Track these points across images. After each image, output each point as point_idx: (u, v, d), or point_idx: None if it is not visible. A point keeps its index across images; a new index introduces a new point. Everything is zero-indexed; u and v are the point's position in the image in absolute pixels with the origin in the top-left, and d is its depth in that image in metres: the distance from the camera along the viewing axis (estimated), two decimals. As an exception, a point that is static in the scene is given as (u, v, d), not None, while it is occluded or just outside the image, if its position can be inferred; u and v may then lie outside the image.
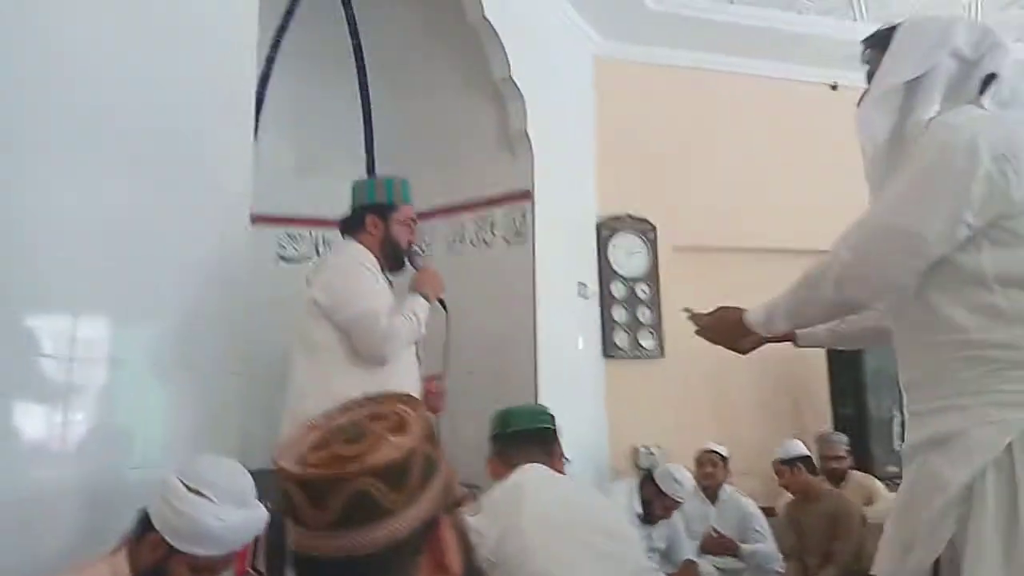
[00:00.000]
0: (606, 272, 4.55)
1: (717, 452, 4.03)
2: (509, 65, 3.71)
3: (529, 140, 3.82)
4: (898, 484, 4.79)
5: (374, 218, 2.44)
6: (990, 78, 1.48)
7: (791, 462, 3.80)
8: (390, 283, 2.52)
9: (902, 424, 4.82)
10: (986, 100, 1.49)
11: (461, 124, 4.11)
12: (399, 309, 2.32)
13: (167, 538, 1.47)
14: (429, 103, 4.19)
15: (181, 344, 2.09)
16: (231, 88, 2.36)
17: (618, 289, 4.56)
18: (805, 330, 1.92)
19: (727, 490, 4.04)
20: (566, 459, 3.26)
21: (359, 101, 4.35)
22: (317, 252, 4.16)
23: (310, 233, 4.18)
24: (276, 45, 4.17)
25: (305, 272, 4.04)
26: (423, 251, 2.61)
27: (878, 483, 4.23)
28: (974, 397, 1.40)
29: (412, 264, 2.51)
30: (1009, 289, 1.36)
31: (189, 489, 1.49)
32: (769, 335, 1.80)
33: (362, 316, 2.21)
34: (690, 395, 4.72)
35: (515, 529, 1.61)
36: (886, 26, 1.65)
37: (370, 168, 4.33)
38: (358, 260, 2.34)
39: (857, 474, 4.25)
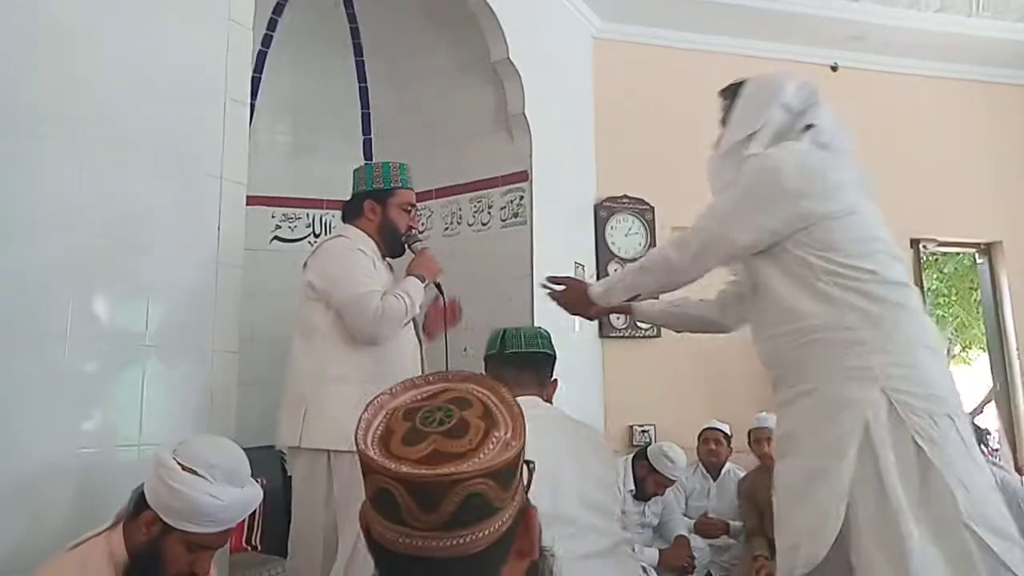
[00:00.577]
0: (603, 252, 4.57)
1: (720, 430, 4.07)
2: (507, 47, 3.70)
3: (527, 121, 3.81)
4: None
5: (372, 203, 2.44)
6: (809, 127, 1.88)
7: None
8: (390, 268, 2.53)
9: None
10: (804, 142, 1.86)
11: (459, 106, 4.09)
12: (392, 290, 2.33)
13: (162, 515, 1.50)
14: (427, 84, 4.18)
15: (176, 324, 2.11)
16: (227, 69, 2.35)
17: (615, 269, 4.57)
18: (642, 307, 2.30)
19: (728, 466, 4.09)
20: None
21: (356, 82, 4.33)
22: (314, 233, 4.17)
23: (307, 214, 4.18)
24: (272, 25, 4.15)
25: (301, 253, 4.14)
26: (422, 236, 2.58)
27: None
28: (827, 380, 1.66)
29: (411, 249, 2.50)
30: (836, 278, 1.69)
31: (184, 468, 1.51)
32: (608, 306, 2.16)
33: (355, 299, 2.21)
34: (685, 374, 4.75)
35: None
36: (738, 81, 2.07)
37: (367, 150, 4.32)
38: (353, 244, 2.34)
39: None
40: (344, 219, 2.52)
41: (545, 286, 2.31)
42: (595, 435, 2.01)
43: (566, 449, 1.70)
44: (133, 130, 2.05)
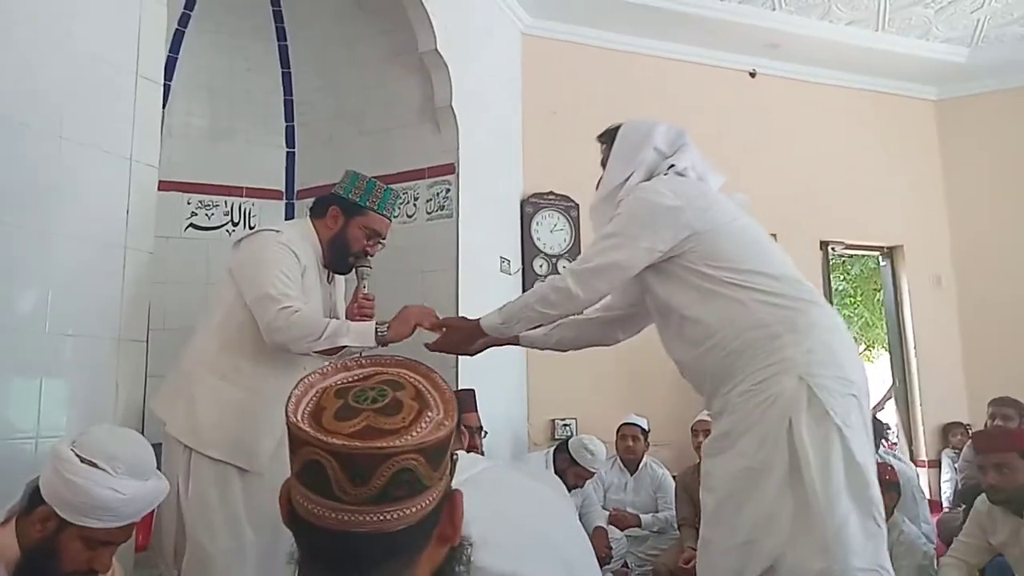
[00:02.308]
0: (529, 248, 4.60)
1: (638, 425, 4.15)
2: (435, 37, 3.67)
3: (454, 114, 3.80)
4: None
5: (337, 211, 2.29)
6: (671, 166, 2.01)
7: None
8: (330, 279, 2.37)
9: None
10: (671, 175, 2.00)
11: (385, 95, 4.04)
12: (329, 315, 2.21)
13: (58, 510, 1.42)
14: (353, 72, 4.10)
15: (79, 311, 2.00)
16: (138, 45, 2.24)
17: (540, 265, 4.62)
18: (528, 334, 2.30)
19: (645, 460, 4.18)
20: (485, 432, 3.33)
21: (279, 68, 4.22)
22: (232, 222, 4.04)
23: (224, 202, 4.05)
24: (190, 5, 3.99)
25: (217, 241, 4.02)
26: (369, 271, 2.36)
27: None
28: (752, 379, 1.75)
29: (356, 274, 2.35)
30: (737, 284, 1.80)
31: (83, 460, 1.44)
32: (501, 339, 2.19)
33: (259, 298, 2.06)
34: (607, 370, 4.83)
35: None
36: (614, 126, 2.19)
37: (289, 137, 4.22)
38: (287, 240, 2.16)
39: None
40: (310, 212, 2.37)
41: (427, 346, 2.26)
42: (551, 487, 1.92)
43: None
44: (33, 106, 1.93)
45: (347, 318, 2.40)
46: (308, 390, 0.77)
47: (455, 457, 0.81)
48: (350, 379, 0.79)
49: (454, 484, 1.49)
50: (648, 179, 1.99)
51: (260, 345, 2.08)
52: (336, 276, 2.43)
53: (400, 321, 2.16)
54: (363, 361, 0.83)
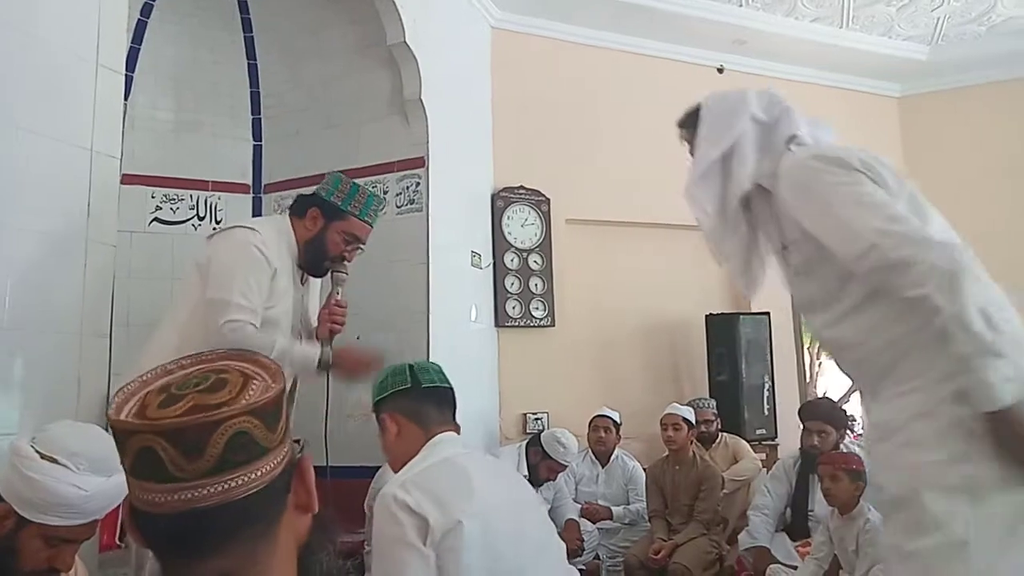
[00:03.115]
0: (500, 242, 4.59)
1: (610, 418, 4.17)
2: (404, 30, 3.64)
3: (424, 107, 3.77)
4: (766, 445, 5.12)
5: (317, 212, 2.25)
6: (792, 138, 1.74)
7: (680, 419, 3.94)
8: (302, 279, 2.33)
9: (772, 390, 5.16)
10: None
11: (354, 88, 4.00)
12: (281, 337, 2.14)
13: (17, 508, 1.38)
14: (320, 64, 4.05)
15: (38, 305, 1.95)
16: (99, 33, 2.18)
17: (511, 260, 4.61)
18: None
19: (616, 453, 4.21)
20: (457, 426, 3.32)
21: (245, 59, 4.15)
22: (197, 216, 3.97)
23: (190, 195, 3.98)
24: (153, -7, 3.91)
25: (182, 236, 3.94)
26: (344, 278, 2.34)
27: (744, 444, 4.53)
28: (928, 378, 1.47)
29: (332, 279, 2.32)
30: None
31: (43, 456, 1.40)
32: None
33: (215, 302, 2.04)
34: (579, 363, 4.86)
35: (459, 527, 1.41)
36: (692, 107, 1.92)
37: (256, 130, 4.16)
38: (260, 241, 2.11)
39: (725, 435, 4.53)
40: (290, 210, 2.33)
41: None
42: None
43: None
44: (-11, 94, 1.88)
45: (318, 323, 2.38)
46: (130, 397, 0.76)
47: (302, 442, 0.81)
48: (171, 379, 0.78)
49: (435, 461, 1.52)
50: (765, 159, 1.72)
51: (222, 344, 2.02)
52: (311, 279, 2.39)
53: (343, 364, 2.20)
54: (184, 362, 0.81)
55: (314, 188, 2.34)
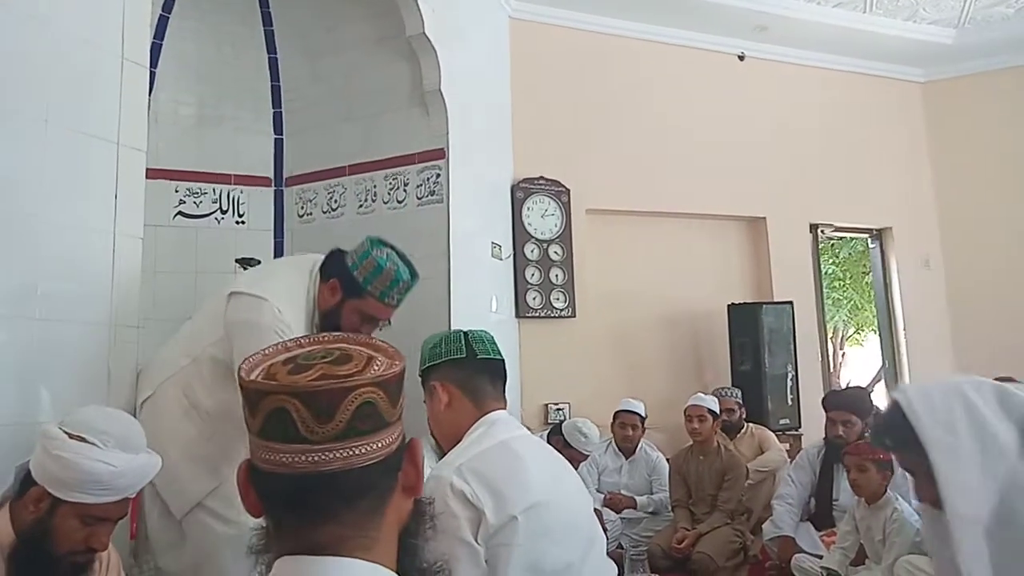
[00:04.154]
0: (520, 233, 4.59)
1: (636, 413, 4.15)
2: (423, 21, 3.64)
3: (443, 98, 3.77)
4: (790, 435, 5.08)
5: (337, 284, 2.13)
6: None
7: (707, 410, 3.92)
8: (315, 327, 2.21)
9: (795, 380, 5.12)
10: None
11: (374, 80, 4.01)
12: None
13: (50, 489, 1.41)
14: (340, 57, 4.07)
15: (69, 296, 1.98)
16: (123, 28, 2.20)
17: (531, 250, 4.61)
18: None
19: (640, 444, 4.20)
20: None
21: (265, 53, 4.17)
22: (220, 209, 4.01)
23: (212, 189, 4.01)
24: (175, -10, 3.93)
25: (206, 229, 3.98)
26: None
27: (770, 434, 4.51)
28: None
29: None
30: None
31: (71, 436, 1.43)
32: None
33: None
34: (600, 354, 4.86)
35: (513, 523, 1.38)
36: (895, 420, 1.31)
37: (277, 123, 4.18)
38: (282, 332, 1.97)
39: (752, 425, 4.51)
40: (321, 267, 2.19)
41: None
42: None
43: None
44: (17, 90, 1.90)
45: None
46: (255, 366, 0.79)
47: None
48: (294, 353, 0.82)
49: (491, 444, 1.50)
50: None
51: (223, 384, 2.05)
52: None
53: None
54: (302, 341, 0.85)
55: (349, 251, 2.20)
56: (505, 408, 1.63)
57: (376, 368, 0.77)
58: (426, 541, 0.85)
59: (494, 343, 1.68)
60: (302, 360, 0.78)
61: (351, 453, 0.73)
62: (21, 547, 1.41)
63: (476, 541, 1.36)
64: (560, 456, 1.74)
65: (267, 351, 0.83)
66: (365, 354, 0.79)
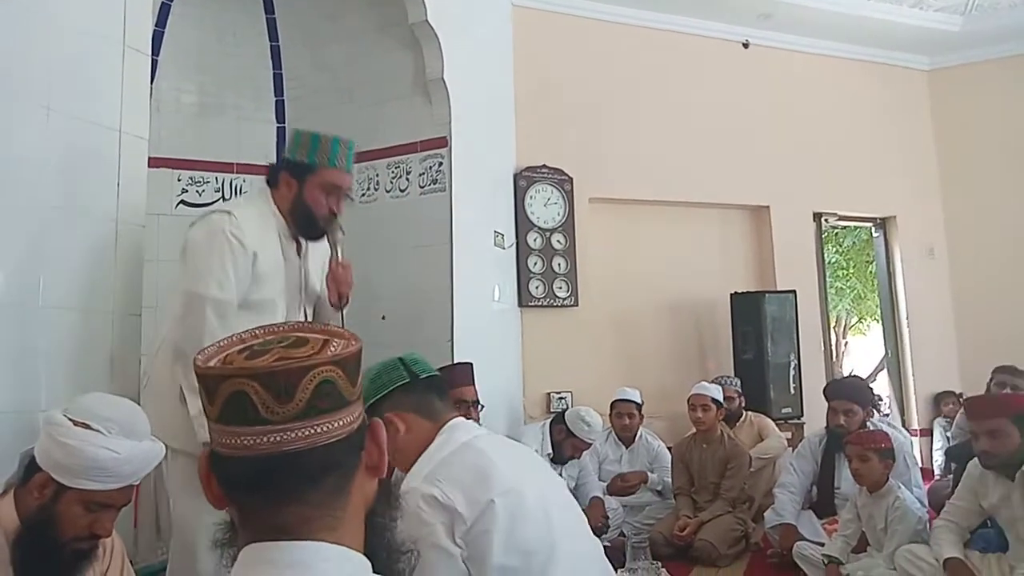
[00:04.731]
0: (523, 222, 4.58)
1: (633, 402, 4.14)
2: (425, 8, 3.62)
3: (446, 86, 3.76)
4: (792, 424, 5.08)
5: (288, 176, 2.15)
6: None
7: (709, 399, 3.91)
8: (298, 248, 2.23)
9: (797, 368, 5.11)
10: None
11: (376, 68, 3.99)
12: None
13: (54, 475, 1.41)
14: (342, 45, 4.05)
15: (72, 284, 1.99)
16: (125, 15, 2.20)
17: (534, 239, 4.61)
18: None
19: (640, 432, 4.21)
20: (482, 405, 3.34)
21: (267, 41, 4.15)
22: (223, 198, 4.00)
23: (215, 178, 4.01)
24: (176, -23, 3.91)
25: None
26: (342, 234, 2.23)
27: (769, 422, 4.52)
28: None
29: (329, 241, 2.23)
30: None
31: (75, 423, 1.43)
32: None
33: (188, 294, 1.98)
34: (602, 343, 4.86)
35: (491, 506, 1.38)
36: None
37: (279, 112, 4.17)
38: (237, 232, 2.02)
39: (751, 414, 4.52)
40: (267, 183, 2.24)
41: None
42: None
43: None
44: (19, 77, 1.90)
45: (327, 290, 2.30)
46: (211, 356, 0.79)
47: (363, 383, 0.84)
48: (250, 343, 0.82)
49: (454, 448, 1.51)
50: None
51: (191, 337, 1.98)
52: (309, 245, 2.28)
53: None
54: (256, 332, 0.85)
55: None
56: (458, 416, 1.64)
57: (333, 348, 0.77)
58: (393, 522, 0.85)
59: (426, 361, 1.69)
60: (258, 347, 0.78)
61: (313, 432, 0.74)
62: (25, 533, 1.42)
63: (454, 542, 1.36)
64: (528, 449, 1.72)
65: (222, 343, 0.82)
66: (321, 338, 0.80)
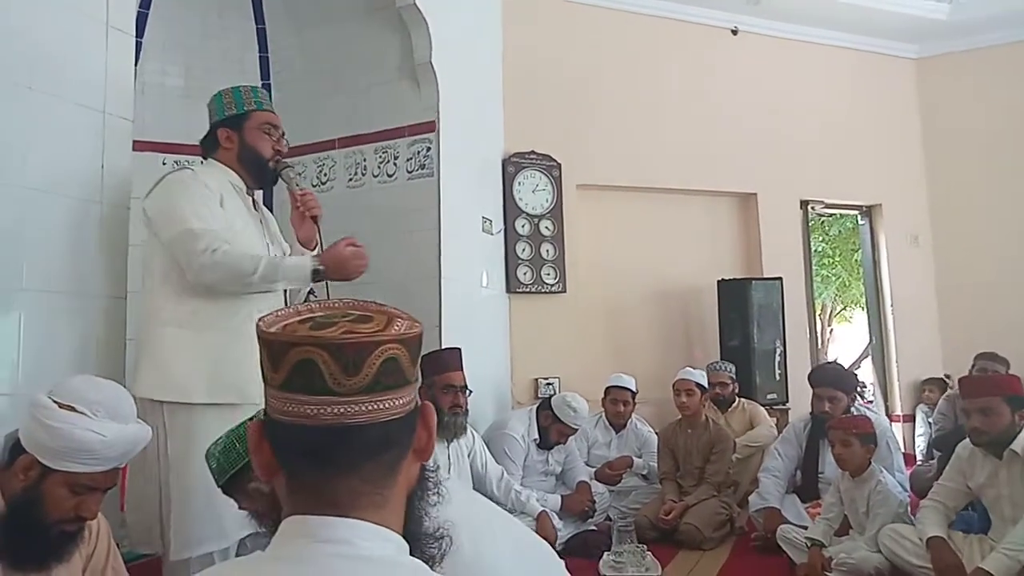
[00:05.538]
0: (511, 208, 4.58)
1: (628, 389, 4.16)
2: (413, -10, 3.59)
3: (434, 70, 3.73)
4: (777, 410, 5.12)
5: (226, 131, 2.22)
6: None
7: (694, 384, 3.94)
8: (254, 204, 2.29)
9: (783, 355, 5.14)
10: None
11: (363, 52, 3.96)
12: (268, 253, 2.12)
13: (39, 458, 1.41)
14: (329, 28, 4.01)
15: (55, 266, 1.97)
16: (107, 2, 2.17)
17: (522, 225, 4.60)
18: None
19: (631, 419, 4.23)
20: (469, 391, 3.35)
21: (253, 23, 4.11)
22: (210, 181, 3.96)
23: (201, 162, 3.96)
24: (160, -43, 3.86)
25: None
26: (301, 174, 2.32)
27: (761, 410, 4.55)
28: None
29: (282, 178, 2.28)
30: None
31: (61, 406, 1.43)
32: None
33: (179, 235, 1.98)
34: (590, 329, 4.88)
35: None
36: None
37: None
38: (196, 176, 2.10)
39: (744, 400, 4.55)
40: (204, 152, 2.29)
41: None
42: None
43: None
44: (1, 56, 1.87)
45: (294, 227, 2.34)
46: (273, 323, 0.79)
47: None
48: (311, 314, 0.82)
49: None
50: None
51: (204, 278, 2.01)
52: (263, 208, 2.36)
53: (338, 266, 2.11)
54: (312, 306, 0.85)
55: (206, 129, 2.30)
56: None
57: (398, 327, 0.78)
58: (431, 506, 0.86)
59: None
60: (321, 319, 0.78)
61: (377, 407, 0.74)
62: (10, 515, 1.41)
63: None
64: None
65: (279, 313, 0.82)
66: (385, 315, 0.81)
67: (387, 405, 0.75)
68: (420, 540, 0.83)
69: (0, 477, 1.45)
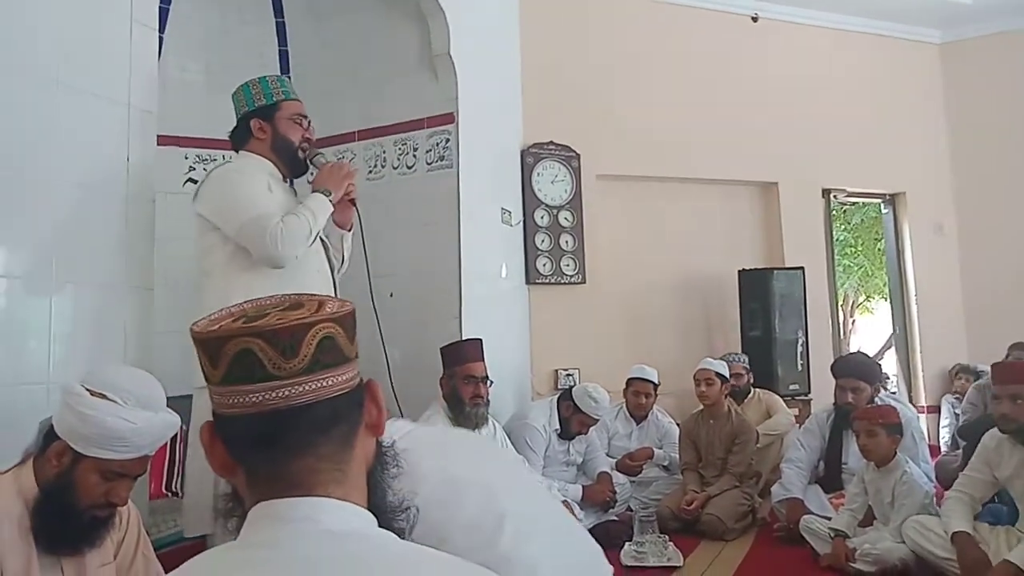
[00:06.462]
0: (530, 199, 4.57)
1: (651, 382, 4.14)
2: (432, -18, 3.59)
3: (453, 62, 3.73)
4: (799, 400, 5.10)
5: (258, 122, 2.29)
6: None
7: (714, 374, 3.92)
8: (293, 191, 2.38)
9: (805, 345, 5.11)
10: None
11: (382, 44, 3.96)
12: (293, 208, 2.19)
13: (72, 444, 1.44)
14: (348, 20, 4.02)
15: (85, 258, 2.01)
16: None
17: (541, 216, 4.60)
18: None
19: (652, 410, 4.22)
20: (491, 381, 3.35)
21: (272, 17, 4.12)
22: (232, 175, 3.99)
23: (222, 156, 3.98)
24: (180, -48, 3.88)
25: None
26: (322, 150, 2.40)
27: (777, 398, 4.53)
28: None
29: (312, 164, 2.36)
30: None
31: (93, 393, 1.45)
32: None
33: (249, 223, 2.07)
34: (610, 320, 4.86)
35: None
36: None
37: (286, 88, 4.14)
38: (242, 167, 2.22)
39: (759, 391, 4.53)
40: (234, 148, 2.36)
41: None
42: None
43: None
44: (27, 51, 1.90)
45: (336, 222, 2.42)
46: (206, 326, 0.79)
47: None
48: (242, 313, 0.82)
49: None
50: None
51: (259, 273, 2.10)
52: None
53: (324, 180, 2.25)
54: (245, 305, 0.85)
55: (236, 118, 2.37)
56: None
57: (330, 308, 0.79)
58: (392, 479, 0.87)
59: None
60: (253, 313, 0.79)
61: (320, 385, 0.75)
62: (44, 500, 1.44)
63: None
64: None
65: (213, 316, 0.83)
66: (315, 301, 0.82)
67: (330, 383, 0.76)
68: (386, 513, 0.84)
69: (34, 463, 1.48)
